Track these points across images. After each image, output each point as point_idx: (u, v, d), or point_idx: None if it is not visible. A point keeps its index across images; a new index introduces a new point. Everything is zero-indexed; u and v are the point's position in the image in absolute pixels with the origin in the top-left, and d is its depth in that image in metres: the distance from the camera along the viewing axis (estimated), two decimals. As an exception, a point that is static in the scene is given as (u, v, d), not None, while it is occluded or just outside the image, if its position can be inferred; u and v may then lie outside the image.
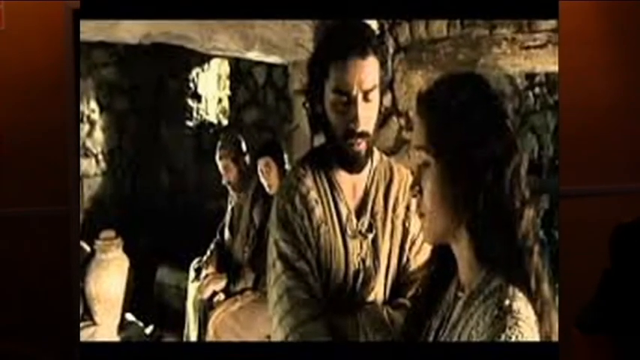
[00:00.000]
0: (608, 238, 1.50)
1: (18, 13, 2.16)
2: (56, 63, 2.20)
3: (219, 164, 2.88)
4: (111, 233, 2.63)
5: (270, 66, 4.31)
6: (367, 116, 1.24)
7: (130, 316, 2.76)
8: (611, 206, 1.98)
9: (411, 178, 1.19)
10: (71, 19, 2.15)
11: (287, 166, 2.63)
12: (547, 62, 2.26)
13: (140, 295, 2.96)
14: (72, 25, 2.14)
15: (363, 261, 1.31)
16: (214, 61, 4.91)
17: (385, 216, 1.33)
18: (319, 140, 1.39)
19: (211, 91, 5.02)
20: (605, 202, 2.04)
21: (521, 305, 0.79)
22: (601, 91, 2.12)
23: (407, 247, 1.33)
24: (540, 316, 0.81)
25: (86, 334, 2.50)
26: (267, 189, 2.66)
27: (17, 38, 2.17)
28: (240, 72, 4.90)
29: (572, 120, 2.08)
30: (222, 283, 2.72)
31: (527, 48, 2.27)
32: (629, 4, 2.19)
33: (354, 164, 1.29)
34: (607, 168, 2.11)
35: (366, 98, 1.22)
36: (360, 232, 1.31)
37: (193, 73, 4.88)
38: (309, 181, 1.31)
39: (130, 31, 2.27)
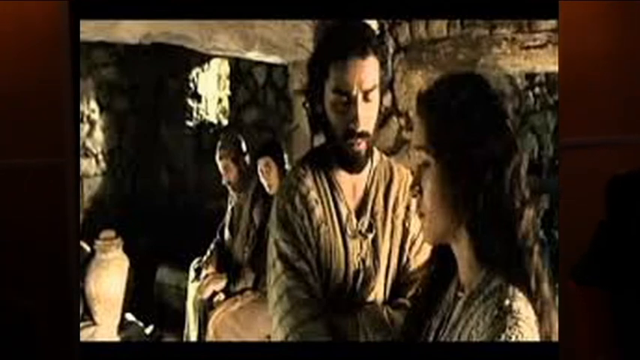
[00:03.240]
0: (604, 190, 1.50)
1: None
2: (52, 14, 2.15)
3: (219, 164, 2.88)
4: (111, 233, 2.63)
5: (270, 66, 4.32)
6: (367, 116, 1.24)
7: (130, 316, 2.76)
8: (608, 158, 1.97)
9: (411, 178, 1.19)
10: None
11: (287, 166, 2.63)
12: (547, 62, 2.26)
13: (140, 295, 2.97)
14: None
15: (363, 261, 1.31)
16: (214, 61, 4.92)
17: (385, 216, 1.33)
18: (319, 140, 1.39)
19: (211, 91, 5.02)
20: (601, 154, 2.03)
21: (521, 305, 0.79)
22: (601, 45, 2.10)
23: (407, 247, 1.33)
24: (540, 316, 0.81)
25: (86, 334, 2.50)
26: (267, 189, 2.66)
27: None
28: (240, 72, 4.91)
29: (571, 70, 2.05)
30: (222, 283, 2.72)
31: (527, 48, 2.27)
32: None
33: (354, 164, 1.29)
34: (603, 119, 2.10)
35: (366, 98, 1.22)
36: (360, 232, 1.31)
37: (193, 73, 4.88)
38: (309, 181, 1.31)
39: (130, 31, 2.27)
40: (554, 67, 2.17)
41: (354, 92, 1.20)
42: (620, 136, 2.07)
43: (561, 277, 1.73)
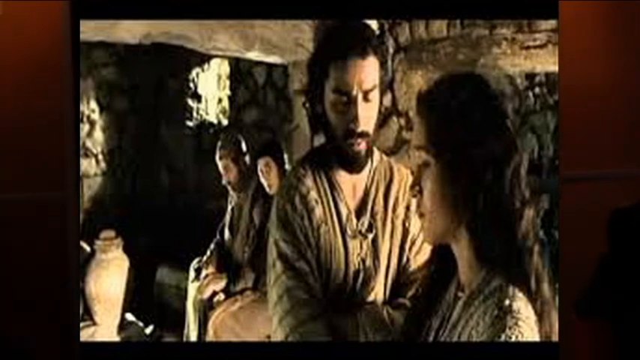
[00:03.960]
0: (606, 223, 1.50)
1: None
2: (54, 47, 2.17)
3: (219, 164, 2.88)
4: (111, 233, 2.63)
5: (270, 66, 4.32)
6: (367, 116, 1.24)
7: (130, 316, 2.76)
8: (609, 191, 1.97)
9: (411, 178, 1.19)
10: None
11: (287, 166, 2.63)
12: (547, 62, 2.26)
13: (140, 295, 2.97)
14: (69, 8, 2.13)
15: (363, 261, 1.31)
16: (214, 61, 4.92)
17: (385, 216, 1.33)
18: (319, 140, 1.39)
19: (211, 91, 5.02)
20: (603, 187, 2.03)
21: (521, 305, 0.79)
22: (601, 76, 2.11)
23: (407, 247, 1.33)
24: (540, 316, 0.81)
25: (86, 334, 2.50)
26: (267, 189, 2.66)
27: (15, 23, 2.15)
28: (240, 72, 4.91)
29: (572, 103, 2.06)
30: (222, 283, 2.72)
31: (527, 48, 2.27)
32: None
33: (354, 164, 1.29)
34: (606, 152, 2.10)
35: (366, 98, 1.22)
36: (360, 232, 1.31)
37: (193, 73, 4.88)
38: (309, 181, 1.31)
39: (130, 31, 2.27)
40: (554, 67, 2.17)
41: (354, 92, 1.20)
42: (621, 169, 2.07)
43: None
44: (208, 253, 2.94)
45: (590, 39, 2.11)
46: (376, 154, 1.38)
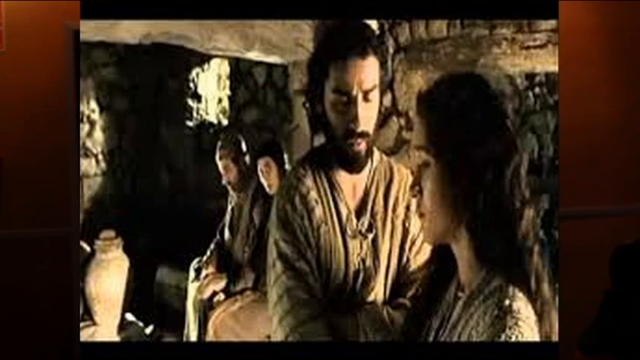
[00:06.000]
0: (609, 260, 1.51)
1: (19, 34, 2.18)
2: (57, 84, 2.21)
3: (219, 164, 2.88)
4: (111, 233, 2.63)
5: (270, 66, 4.31)
6: (367, 116, 1.24)
7: (130, 316, 2.76)
8: (611, 227, 1.98)
9: (411, 178, 1.19)
10: (72, 39, 2.16)
11: (287, 166, 2.63)
12: (547, 62, 2.26)
13: (140, 295, 2.97)
14: (72, 45, 2.16)
15: (363, 261, 1.31)
16: (214, 61, 4.91)
17: (385, 216, 1.33)
18: (319, 140, 1.39)
19: (211, 91, 5.02)
20: (605, 224, 2.04)
21: (521, 305, 0.79)
22: (602, 112, 2.12)
23: (407, 247, 1.33)
24: (540, 316, 0.81)
25: (86, 334, 2.50)
26: (267, 189, 2.66)
27: (18, 59, 2.18)
28: (240, 72, 4.90)
29: (573, 140, 2.08)
30: (222, 283, 2.72)
31: (527, 48, 2.27)
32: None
33: (354, 164, 1.29)
34: (607, 189, 2.11)
35: (366, 98, 1.22)
36: (360, 232, 1.31)
37: (193, 73, 4.88)
38: (309, 181, 1.31)
39: (130, 31, 2.27)
40: (554, 67, 2.17)
41: (354, 92, 1.21)
42: (621, 206, 2.08)
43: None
44: (208, 253, 2.94)
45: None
46: (376, 154, 1.38)
